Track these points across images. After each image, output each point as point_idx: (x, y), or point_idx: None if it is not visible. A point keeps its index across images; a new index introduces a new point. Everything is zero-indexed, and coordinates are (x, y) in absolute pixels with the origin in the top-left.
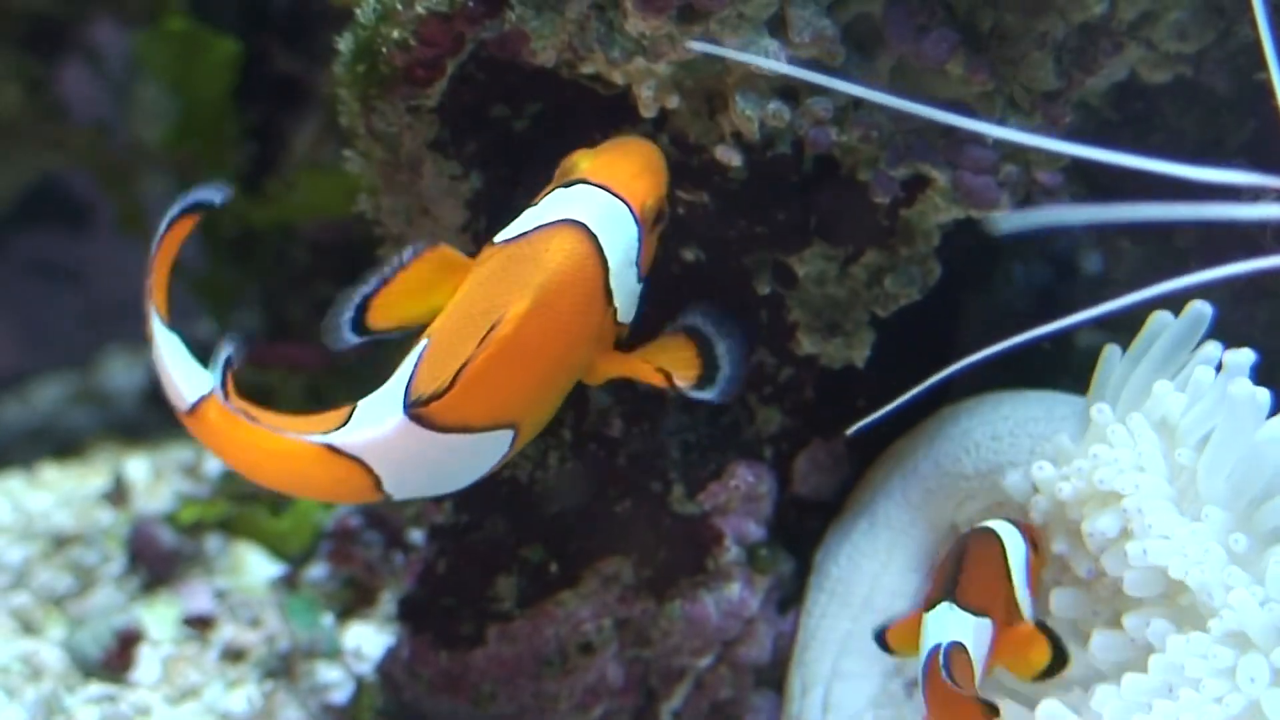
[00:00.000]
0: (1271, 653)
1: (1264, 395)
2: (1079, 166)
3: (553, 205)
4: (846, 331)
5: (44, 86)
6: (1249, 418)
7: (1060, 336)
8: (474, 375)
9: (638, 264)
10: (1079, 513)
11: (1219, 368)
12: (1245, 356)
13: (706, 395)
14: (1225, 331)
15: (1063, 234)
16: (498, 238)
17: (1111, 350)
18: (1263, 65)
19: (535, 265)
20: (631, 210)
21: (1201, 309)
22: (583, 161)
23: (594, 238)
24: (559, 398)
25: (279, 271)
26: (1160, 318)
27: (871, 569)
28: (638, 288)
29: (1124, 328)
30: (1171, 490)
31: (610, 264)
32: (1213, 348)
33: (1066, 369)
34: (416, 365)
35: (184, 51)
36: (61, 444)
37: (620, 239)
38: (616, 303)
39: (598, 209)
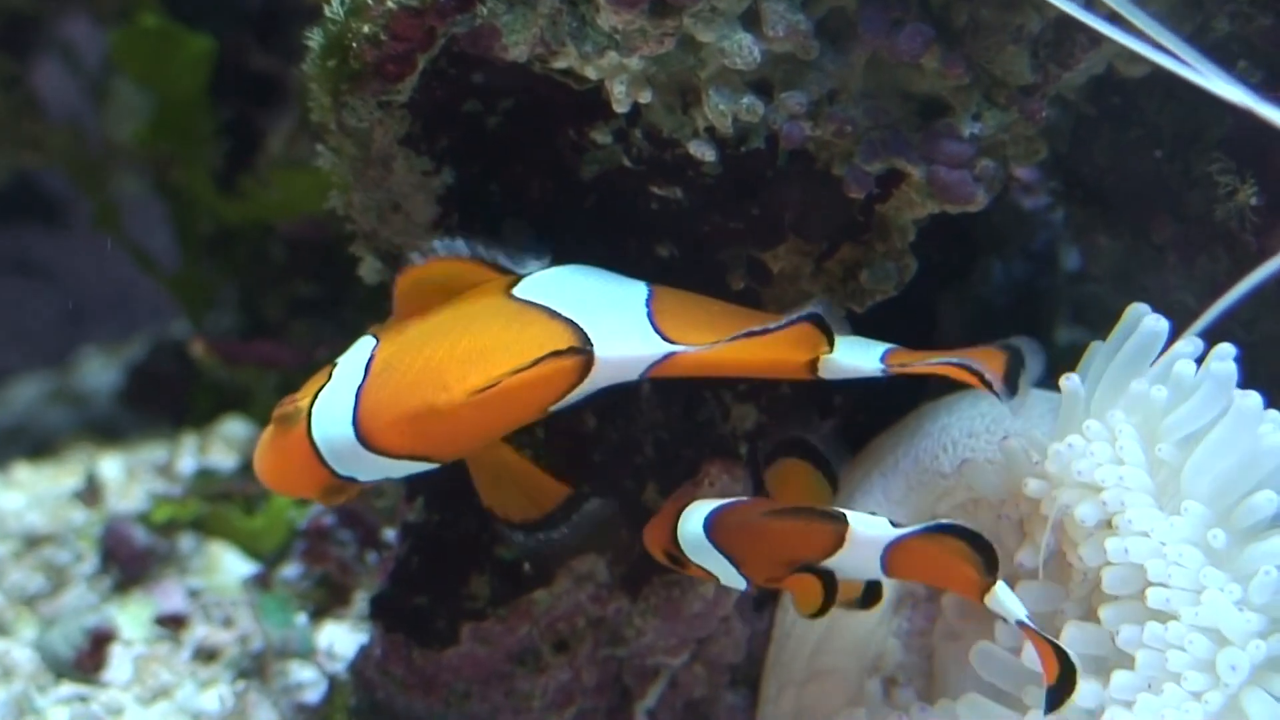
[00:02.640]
0: (1246, 649)
1: (1254, 401)
2: (1058, 161)
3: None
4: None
5: (18, 84)
6: (1251, 425)
7: (1039, 335)
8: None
9: (321, 388)
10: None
11: (1199, 361)
12: (1227, 350)
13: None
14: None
15: (1041, 229)
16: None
17: (1095, 347)
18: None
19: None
20: (293, 413)
21: (1157, 326)
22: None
23: (363, 422)
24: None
25: (255, 269)
26: (1135, 310)
27: None
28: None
29: (1102, 324)
30: (1152, 484)
31: (351, 396)
32: (1189, 344)
33: (1046, 366)
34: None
35: (158, 48)
36: (37, 444)
37: (332, 412)
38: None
39: (327, 423)
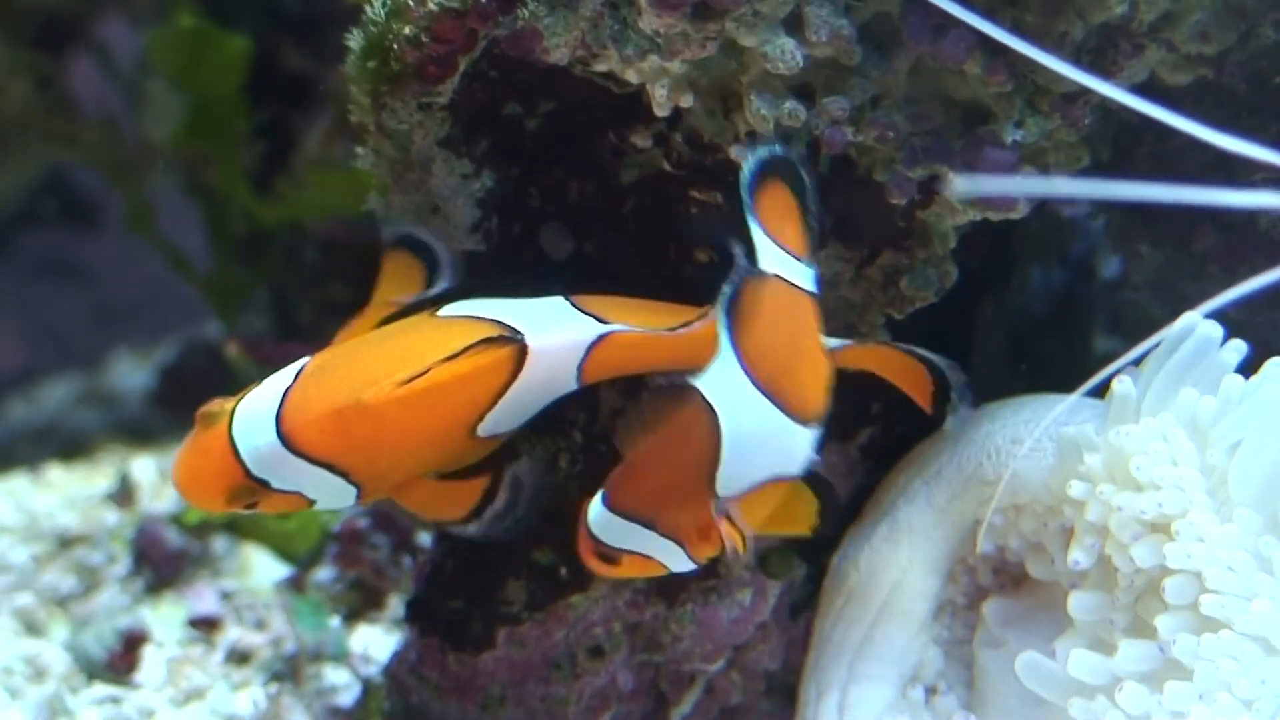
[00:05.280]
0: None
1: None
2: (1100, 169)
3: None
4: (861, 334)
5: (54, 83)
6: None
7: (1077, 342)
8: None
9: (248, 394)
10: (1100, 495)
11: (1245, 371)
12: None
13: None
14: (1246, 333)
15: (1081, 237)
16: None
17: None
18: None
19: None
20: (229, 424)
21: (1211, 333)
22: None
23: (287, 434)
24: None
25: (288, 271)
26: (1187, 320)
27: (892, 573)
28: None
29: (1141, 333)
30: (1208, 486)
31: (275, 402)
32: (1233, 352)
33: (1085, 374)
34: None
35: (194, 49)
36: (68, 444)
37: (254, 424)
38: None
39: (249, 434)
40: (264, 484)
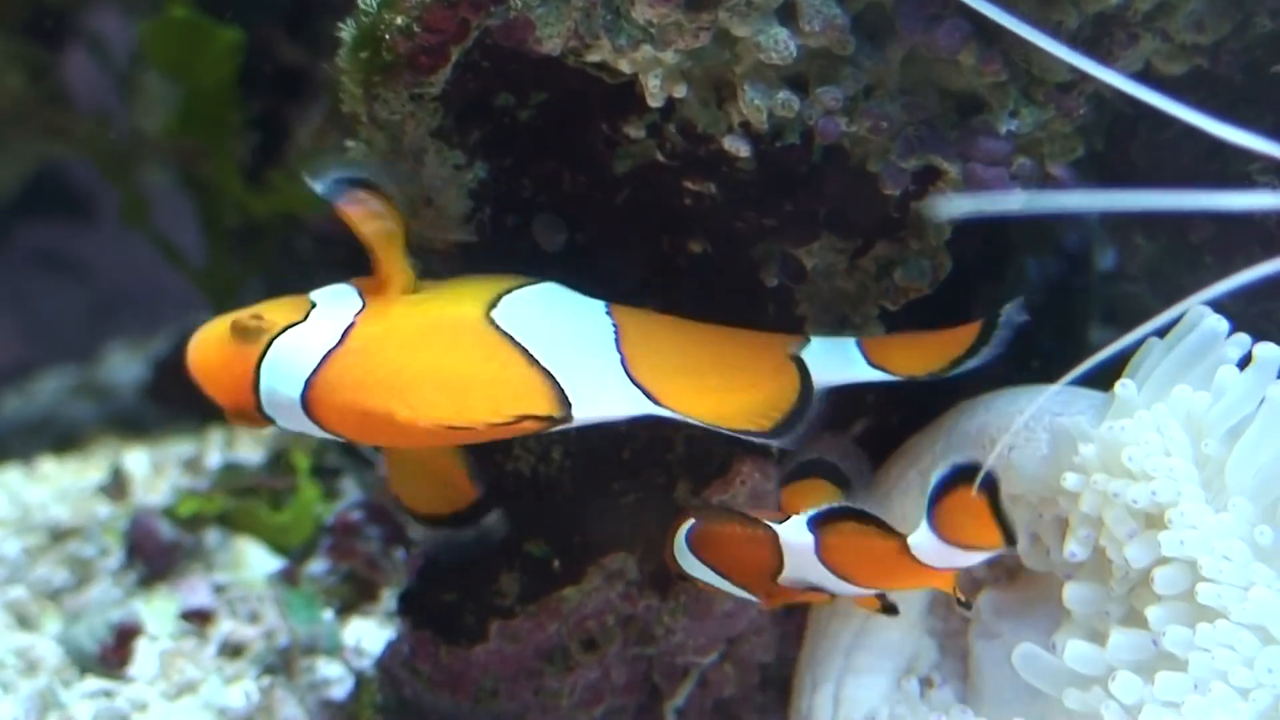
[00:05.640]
0: None
1: None
2: (1095, 159)
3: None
4: (855, 325)
5: (47, 74)
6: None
7: (1072, 334)
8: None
9: (290, 325)
10: (1094, 486)
11: (1243, 364)
12: (1273, 355)
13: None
14: (1242, 327)
15: (1076, 227)
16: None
17: (1151, 343)
18: None
19: (375, 432)
20: (266, 351)
21: (1217, 326)
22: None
23: (310, 389)
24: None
25: (283, 263)
26: (1196, 312)
27: None
28: (315, 318)
29: (1136, 324)
30: (1200, 478)
31: (319, 356)
32: (1234, 348)
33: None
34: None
35: (187, 40)
36: (62, 437)
37: (286, 365)
38: (333, 343)
39: (281, 381)
40: (268, 419)
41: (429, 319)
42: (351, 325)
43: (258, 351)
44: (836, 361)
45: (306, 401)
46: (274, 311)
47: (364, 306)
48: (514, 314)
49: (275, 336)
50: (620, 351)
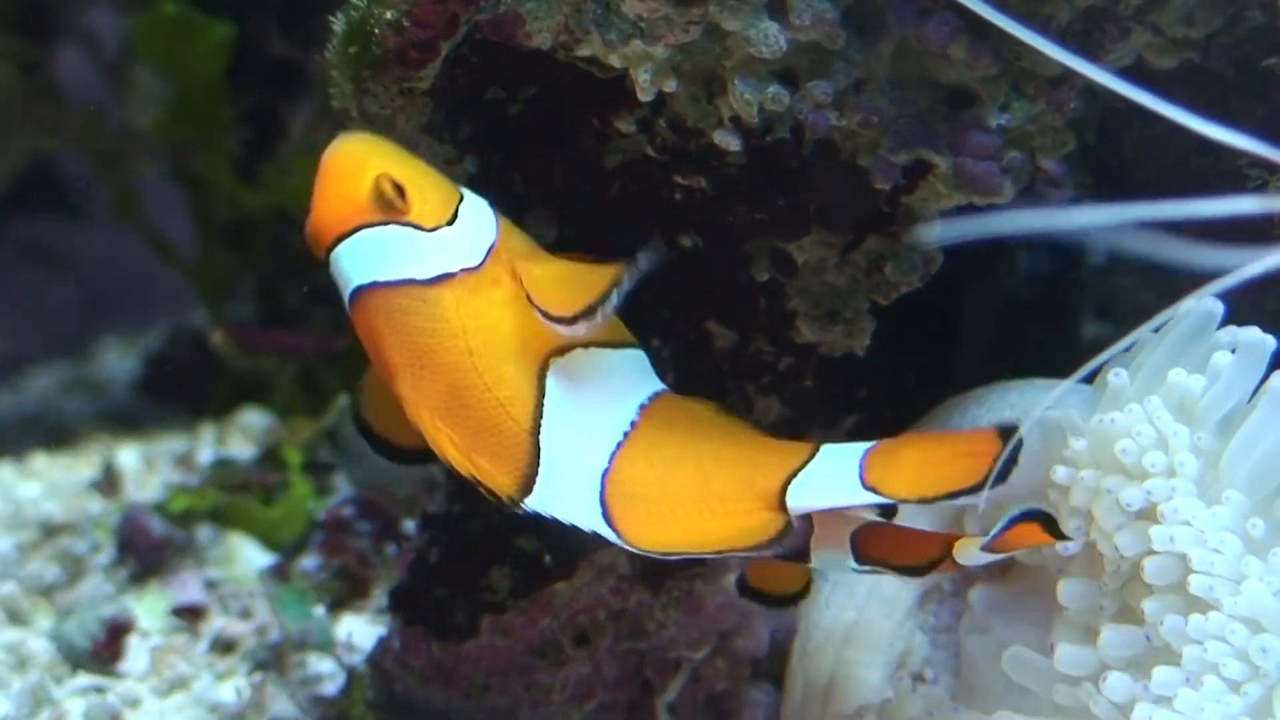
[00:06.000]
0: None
1: None
2: (1086, 153)
3: (338, 284)
4: (846, 319)
5: (38, 69)
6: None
7: (1065, 328)
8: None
9: (428, 230)
10: (1084, 480)
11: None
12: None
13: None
14: (1232, 321)
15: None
16: None
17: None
18: None
19: (378, 358)
20: (368, 224)
21: (1213, 307)
22: (308, 226)
23: (375, 285)
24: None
25: (275, 258)
26: (1188, 307)
27: None
28: (452, 231)
29: (1129, 318)
30: (1196, 469)
31: (408, 275)
32: (1228, 334)
33: (1072, 360)
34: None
35: (178, 35)
36: (54, 433)
37: (387, 252)
38: (455, 268)
39: (353, 262)
40: (325, 266)
41: (503, 330)
42: (459, 273)
43: (372, 219)
44: (830, 486)
45: (354, 301)
46: (422, 194)
47: (487, 258)
48: (569, 371)
49: (394, 222)
50: (610, 463)
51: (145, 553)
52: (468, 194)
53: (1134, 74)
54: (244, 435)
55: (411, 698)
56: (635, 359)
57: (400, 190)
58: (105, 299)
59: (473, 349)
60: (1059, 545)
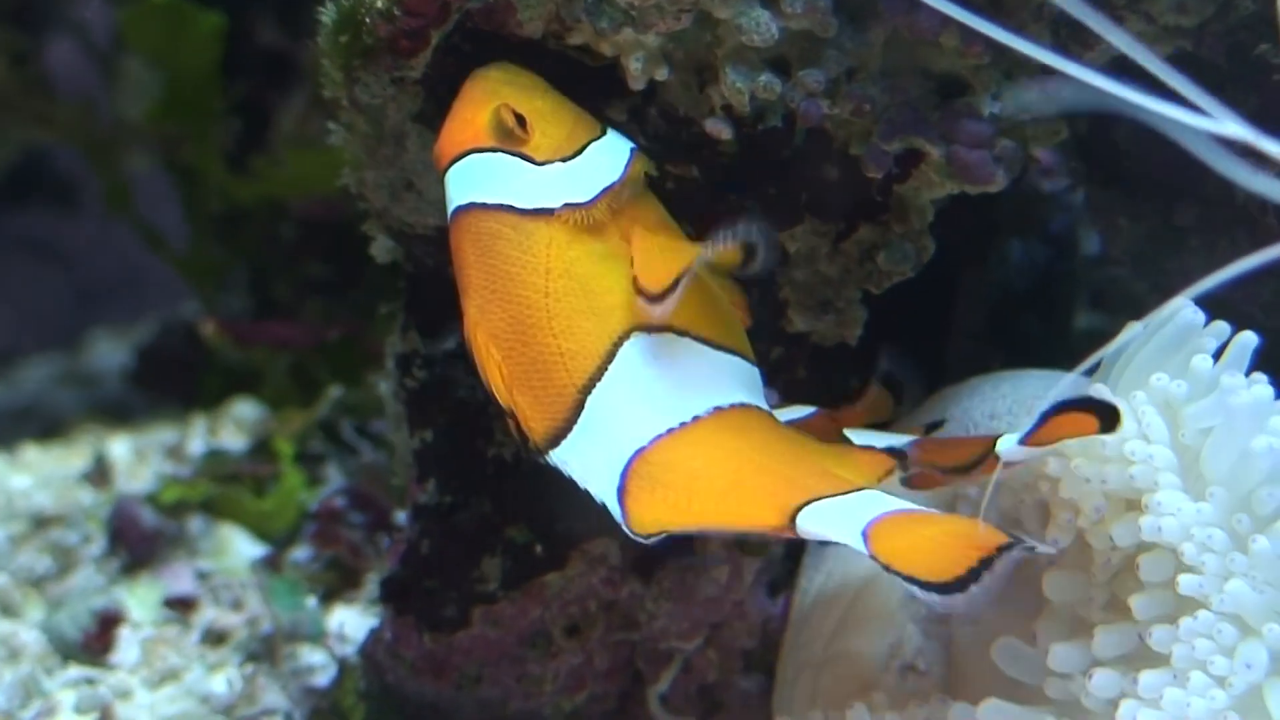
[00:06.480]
0: (1266, 636)
1: (1264, 393)
2: (1079, 143)
3: (447, 207)
4: (839, 309)
5: (30, 60)
6: (1247, 422)
7: (1057, 319)
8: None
9: (538, 163)
10: (1074, 471)
11: (1219, 354)
12: (1245, 344)
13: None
14: (1227, 311)
15: (1060, 212)
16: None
17: (1131, 329)
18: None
19: (458, 275)
20: (480, 149)
21: (1194, 318)
22: (434, 147)
23: (473, 206)
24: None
25: (266, 249)
26: (1176, 304)
27: None
28: (562, 169)
29: (1122, 308)
30: (1178, 465)
31: (508, 200)
32: (1210, 339)
33: (1065, 351)
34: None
35: (169, 26)
36: (46, 425)
37: (493, 176)
38: (555, 204)
39: (462, 182)
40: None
41: (592, 287)
42: (561, 209)
43: (485, 144)
44: (838, 526)
45: (452, 220)
46: (543, 128)
47: (599, 198)
48: (653, 348)
49: (506, 150)
50: (651, 444)
51: (136, 544)
52: (611, 134)
53: (1126, 63)
54: (235, 426)
55: (403, 689)
56: (739, 367)
57: (521, 121)
58: (96, 290)
59: (551, 291)
60: (1049, 539)
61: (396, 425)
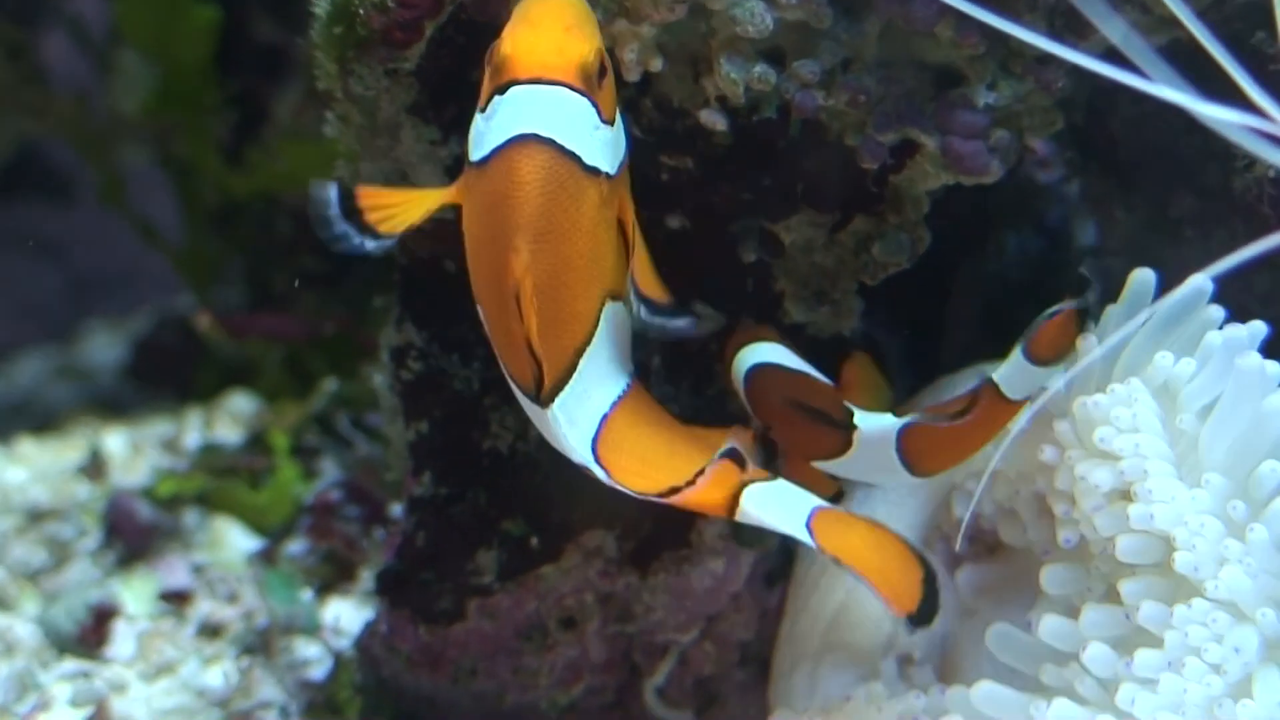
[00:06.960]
0: (1260, 622)
1: (1274, 367)
2: (1074, 133)
3: (499, 121)
4: (834, 300)
5: (25, 54)
6: (1256, 388)
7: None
8: (538, 339)
9: (603, 122)
10: (1069, 461)
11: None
12: (1258, 329)
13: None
14: (1222, 302)
15: (1056, 203)
16: (471, 156)
17: (1109, 312)
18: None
19: (511, 206)
20: (571, 86)
21: (1203, 284)
22: (506, 50)
23: (549, 142)
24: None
25: (262, 242)
26: (1140, 277)
27: None
28: (611, 135)
29: (1114, 299)
30: (1171, 454)
31: (578, 150)
32: (1215, 311)
33: None
34: None
35: (164, 18)
36: (41, 418)
37: (573, 120)
38: (603, 168)
39: (539, 110)
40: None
41: (604, 251)
42: (602, 176)
43: (574, 82)
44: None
45: (520, 145)
46: (610, 89)
47: (619, 173)
48: (610, 316)
49: (589, 96)
50: (611, 408)
51: (132, 537)
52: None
53: (1121, 53)
54: (231, 420)
55: (399, 681)
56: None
57: (604, 73)
58: (91, 284)
59: (585, 254)
60: (1060, 539)
61: (391, 418)
